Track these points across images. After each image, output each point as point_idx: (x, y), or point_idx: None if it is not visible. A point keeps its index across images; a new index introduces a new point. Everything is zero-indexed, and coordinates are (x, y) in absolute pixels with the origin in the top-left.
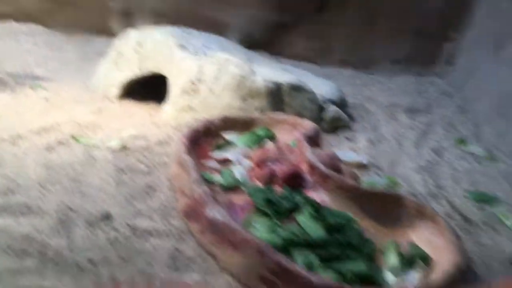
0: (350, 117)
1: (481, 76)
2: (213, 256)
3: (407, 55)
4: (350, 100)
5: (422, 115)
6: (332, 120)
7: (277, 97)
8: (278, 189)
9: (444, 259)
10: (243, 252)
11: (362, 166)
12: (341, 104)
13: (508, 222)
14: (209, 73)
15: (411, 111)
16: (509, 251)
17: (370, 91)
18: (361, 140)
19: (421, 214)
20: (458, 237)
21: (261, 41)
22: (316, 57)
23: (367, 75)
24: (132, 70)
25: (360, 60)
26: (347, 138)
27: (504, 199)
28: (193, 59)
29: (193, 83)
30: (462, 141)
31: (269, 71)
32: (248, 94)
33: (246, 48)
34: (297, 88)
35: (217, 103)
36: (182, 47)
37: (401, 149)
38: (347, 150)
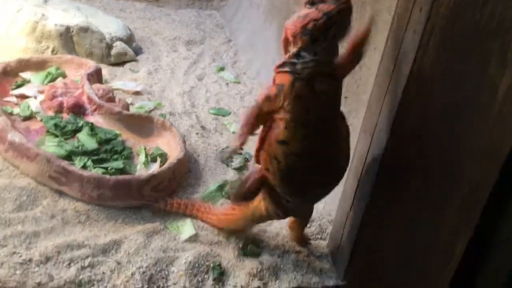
0: (138, 50)
1: (242, 13)
2: (16, 167)
3: None
4: (139, 33)
5: (197, 46)
6: (118, 55)
7: (67, 38)
8: (65, 116)
9: (174, 155)
10: (36, 161)
11: (137, 93)
12: (128, 40)
13: (231, 128)
14: (5, 17)
15: (189, 43)
16: (223, 146)
17: (158, 25)
18: (142, 71)
19: (164, 127)
20: (184, 140)
21: None
22: None
23: (157, 7)
24: None
25: None
26: (131, 70)
27: (234, 112)
28: None
29: None
30: (221, 69)
31: (61, 14)
32: (41, 36)
33: None
34: (85, 30)
35: (15, 45)
36: None
37: (173, 77)
38: (129, 80)
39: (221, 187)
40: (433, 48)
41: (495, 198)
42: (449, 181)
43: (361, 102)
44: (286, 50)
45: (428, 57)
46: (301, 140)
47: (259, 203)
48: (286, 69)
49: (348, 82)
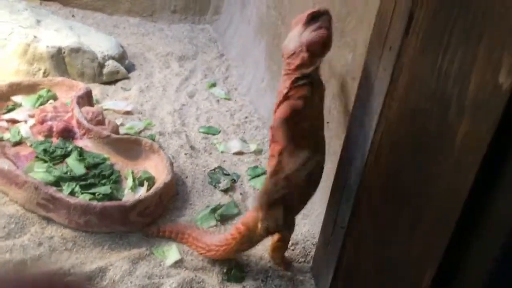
0: (130, 67)
1: (234, 27)
2: (5, 194)
3: (184, 5)
4: (132, 50)
5: (189, 62)
6: (110, 74)
7: (59, 59)
8: (55, 141)
9: (161, 178)
10: (24, 189)
11: (128, 113)
12: (120, 57)
13: (220, 148)
14: None
15: (182, 58)
16: (211, 167)
17: (151, 40)
18: (134, 89)
19: (152, 150)
20: (171, 163)
21: None
22: (105, 7)
23: (151, 23)
24: None
25: (144, 9)
26: (123, 88)
27: (224, 129)
28: None
29: None
30: (212, 85)
31: (53, 35)
32: (33, 58)
33: (39, 1)
34: (76, 50)
35: (6, 67)
36: None
37: (165, 94)
38: (120, 99)
39: (214, 210)
40: (403, 86)
41: (459, 237)
42: (416, 213)
43: (341, 129)
44: (309, 66)
45: (397, 92)
46: None
47: (255, 226)
48: (304, 81)
49: (329, 108)
